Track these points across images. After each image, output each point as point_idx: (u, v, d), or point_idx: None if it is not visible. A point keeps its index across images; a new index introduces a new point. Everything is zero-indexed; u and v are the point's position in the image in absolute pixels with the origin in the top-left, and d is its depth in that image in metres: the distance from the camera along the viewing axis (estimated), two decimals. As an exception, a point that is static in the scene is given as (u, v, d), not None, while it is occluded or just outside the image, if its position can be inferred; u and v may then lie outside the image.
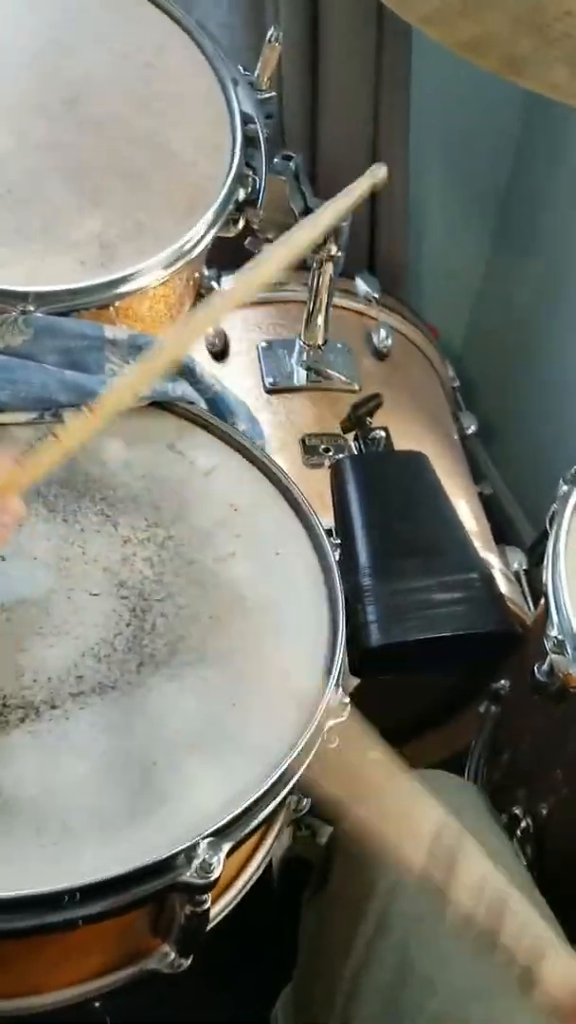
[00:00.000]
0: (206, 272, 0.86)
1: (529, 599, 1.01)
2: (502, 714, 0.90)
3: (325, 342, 1.06)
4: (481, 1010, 0.55)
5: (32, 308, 0.68)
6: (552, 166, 1.31)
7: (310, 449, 0.99)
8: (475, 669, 1.09)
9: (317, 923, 0.67)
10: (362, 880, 0.63)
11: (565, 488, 0.74)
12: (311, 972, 0.65)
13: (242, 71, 0.86)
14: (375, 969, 0.58)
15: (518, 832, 0.78)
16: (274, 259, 0.58)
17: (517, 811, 0.79)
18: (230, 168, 0.77)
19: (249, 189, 0.80)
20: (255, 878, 0.65)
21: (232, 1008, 0.83)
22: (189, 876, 0.51)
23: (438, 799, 0.68)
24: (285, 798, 0.56)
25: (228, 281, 1.12)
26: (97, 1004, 0.59)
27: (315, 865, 0.70)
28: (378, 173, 0.60)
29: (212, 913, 0.61)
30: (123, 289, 0.71)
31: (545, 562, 0.71)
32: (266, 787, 0.54)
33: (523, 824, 0.78)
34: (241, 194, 0.79)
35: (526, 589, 1.02)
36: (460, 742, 1.09)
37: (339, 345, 1.08)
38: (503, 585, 0.97)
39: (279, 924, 0.74)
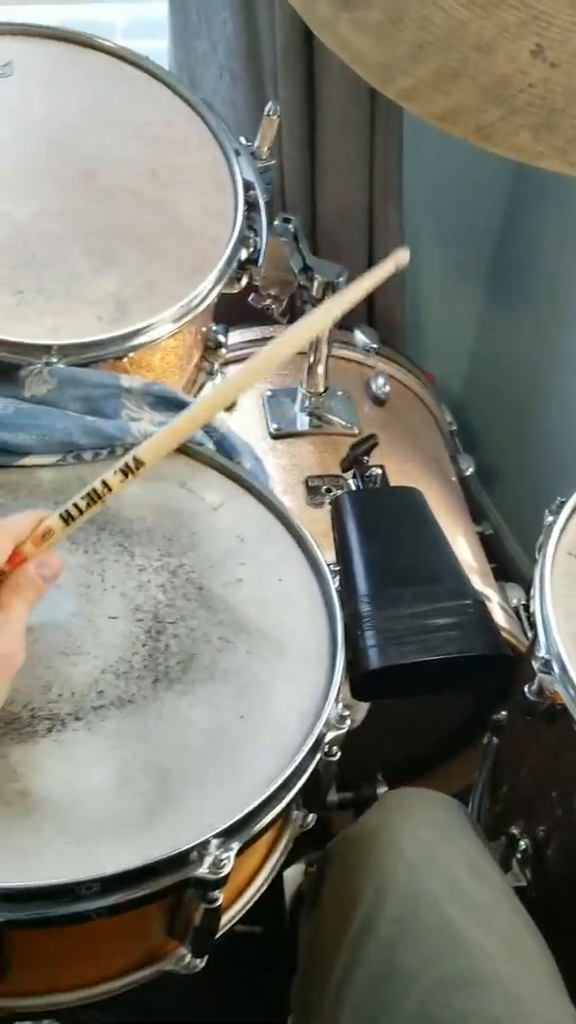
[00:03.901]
0: (213, 327, 0.93)
1: (528, 632, 1.05)
2: (501, 745, 0.93)
3: (326, 390, 1.12)
4: (460, 1000, 0.58)
5: (56, 360, 0.74)
6: (542, 216, 1.37)
7: (313, 490, 1.04)
8: (479, 706, 1.12)
9: (311, 934, 0.70)
10: (350, 888, 0.66)
11: (550, 519, 0.79)
12: (307, 979, 0.69)
13: (243, 142, 0.93)
14: (362, 965, 0.61)
15: (517, 855, 0.81)
16: (294, 336, 0.57)
17: (515, 831, 0.82)
18: (233, 231, 0.84)
19: (251, 250, 0.86)
20: (264, 887, 0.69)
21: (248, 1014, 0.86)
22: (202, 872, 0.56)
23: (424, 816, 0.72)
24: (289, 804, 0.61)
25: (236, 335, 1.19)
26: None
27: (310, 882, 0.73)
28: (402, 258, 0.59)
29: (224, 919, 0.65)
30: (136, 342, 0.77)
31: (533, 588, 0.75)
32: (270, 792, 0.59)
33: (521, 845, 0.81)
34: (243, 254, 0.85)
35: (525, 624, 1.06)
36: (462, 781, 1.11)
37: (339, 392, 1.15)
38: (502, 618, 1.01)
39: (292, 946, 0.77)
